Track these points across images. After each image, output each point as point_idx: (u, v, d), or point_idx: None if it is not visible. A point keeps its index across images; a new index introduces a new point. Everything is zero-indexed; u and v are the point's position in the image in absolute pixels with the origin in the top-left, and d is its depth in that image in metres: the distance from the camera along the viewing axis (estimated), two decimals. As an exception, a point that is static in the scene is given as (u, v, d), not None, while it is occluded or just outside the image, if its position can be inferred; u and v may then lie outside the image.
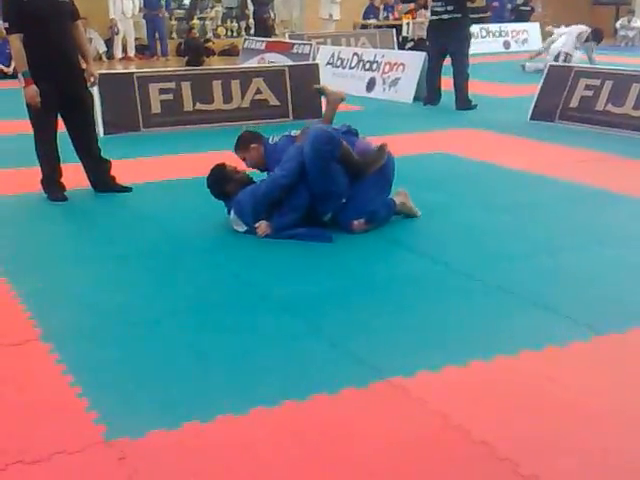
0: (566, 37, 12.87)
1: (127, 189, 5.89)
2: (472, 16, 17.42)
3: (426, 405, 2.89)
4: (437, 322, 3.61)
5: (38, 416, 2.82)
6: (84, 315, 3.72)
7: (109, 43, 17.10)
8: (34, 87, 5.41)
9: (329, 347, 3.34)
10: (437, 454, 2.60)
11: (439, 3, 9.92)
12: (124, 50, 17.19)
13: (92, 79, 5.72)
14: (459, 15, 9.81)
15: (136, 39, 17.40)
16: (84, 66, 5.74)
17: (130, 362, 3.23)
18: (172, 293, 3.97)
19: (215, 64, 14.86)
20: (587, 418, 2.81)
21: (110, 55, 17.02)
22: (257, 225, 4.74)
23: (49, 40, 5.44)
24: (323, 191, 4.72)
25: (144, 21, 17.35)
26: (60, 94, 5.53)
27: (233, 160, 5.20)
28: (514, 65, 14.68)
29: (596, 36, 12.97)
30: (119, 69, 14.18)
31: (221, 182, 4.93)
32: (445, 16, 9.86)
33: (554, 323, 3.58)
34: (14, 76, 11.69)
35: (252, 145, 5.04)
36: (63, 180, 5.74)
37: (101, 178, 5.85)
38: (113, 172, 5.94)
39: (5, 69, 13.72)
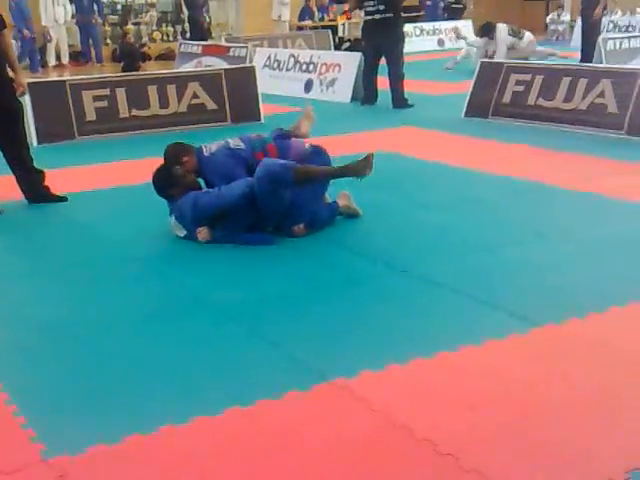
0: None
1: (62, 199, 5.79)
2: (405, 15, 17.75)
3: (369, 405, 2.90)
4: (378, 322, 3.63)
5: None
6: (20, 331, 3.64)
7: (42, 51, 16.76)
8: (-40, 98, 5.29)
9: (271, 352, 3.33)
10: (381, 453, 2.61)
11: (371, 3, 9.97)
12: (58, 58, 16.88)
13: (21, 89, 5.60)
14: (391, 15, 9.87)
15: (70, 46, 17.10)
16: (12, 75, 5.61)
17: (68, 377, 3.17)
18: (109, 304, 3.91)
19: (151, 69, 14.70)
20: (527, 410, 2.85)
21: (43, 63, 16.69)
22: (198, 230, 4.69)
23: None
24: (271, 213, 4.70)
25: (77, 28, 17.07)
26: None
27: None
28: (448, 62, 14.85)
29: (485, 31, 13.20)
30: (53, 77, 13.92)
31: (166, 184, 4.83)
32: (377, 16, 9.92)
33: (492, 317, 3.63)
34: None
35: (184, 158, 4.88)
36: (-4, 192, 5.61)
37: (34, 189, 5.73)
38: (47, 182, 5.83)
39: None
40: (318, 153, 5.09)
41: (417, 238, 4.81)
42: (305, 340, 3.43)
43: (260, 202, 4.57)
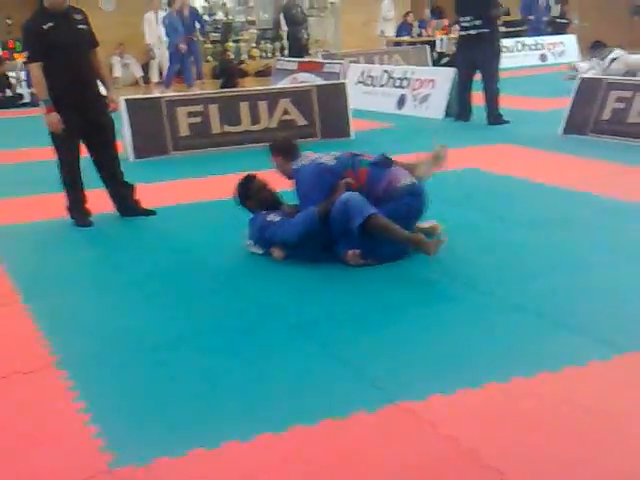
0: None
1: (151, 212, 5.93)
2: (507, 29, 17.46)
3: (436, 429, 2.82)
4: (454, 344, 3.54)
5: (46, 444, 2.83)
6: (100, 341, 3.73)
7: (145, 68, 17.32)
8: (55, 114, 5.49)
9: (341, 370, 3.30)
10: (446, 479, 2.54)
11: (467, 18, 9.86)
12: (160, 75, 17.39)
13: (112, 105, 5.78)
14: (487, 30, 9.72)
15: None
16: (104, 92, 5.80)
17: (142, 388, 3.23)
18: (186, 317, 3.97)
19: (249, 85, 14.96)
20: (605, 441, 2.71)
21: (147, 80, 17.24)
22: (272, 250, 4.71)
23: (68, 68, 5.51)
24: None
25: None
26: (81, 120, 5.59)
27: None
28: (550, 78, 14.49)
29: (596, 51, 12.74)
30: (155, 94, 14.33)
31: (243, 194, 4.92)
32: (473, 31, 9.79)
33: (574, 342, 3.49)
34: (34, 104, 11.96)
35: (276, 157, 4.95)
36: (88, 205, 5.79)
37: (125, 202, 5.90)
38: (140, 196, 5.99)
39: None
40: (413, 194, 4.67)
41: (501, 257, 4.68)
42: (376, 360, 3.38)
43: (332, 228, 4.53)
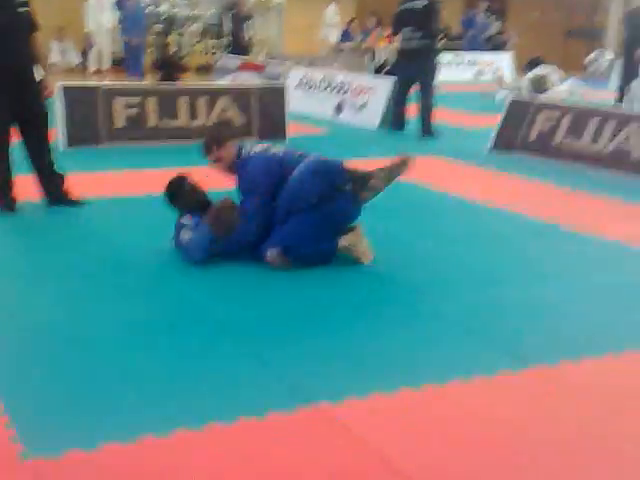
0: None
1: (79, 203, 5.87)
2: (446, 42, 17.78)
3: (349, 432, 2.90)
4: (371, 349, 3.62)
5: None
6: (19, 332, 3.70)
7: (84, 55, 17.05)
8: (-12, 98, 5.40)
9: (261, 371, 3.35)
10: (354, 481, 2.62)
11: (408, 29, 10.01)
12: (99, 63, 17.15)
13: (47, 91, 5.70)
14: (428, 42, 9.90)
15: (113, 52, 17.37)
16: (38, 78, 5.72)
17: (57, 380, 3.22)
18: (107, 312, 3.96)
19: (189, 81, 14.87)
20: (507, 452, 2.83)
21: (84, 66, 16.98)
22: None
23: (5, 50, 5.42)
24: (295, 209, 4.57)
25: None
26: (14, 106, 5.51)
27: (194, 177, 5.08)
28: (484, 95, 14.83)
29: (533, 67, 13.25)
30: (91, 82, 14.13)
31: (174, 194, 4.88)
32: (413, 43, 9.96)
33: (485, 353, 3.62)
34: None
35: (229, 143, 4.79)
36: (15, 191, 5.70)
37: (54, 191, 5.83)
38: (70, 185, 5.92)
39: None
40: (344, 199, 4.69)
41: (422, 269, 4.80)
42: (297, 361, 3.45)
43: (292, 195, 4.50)
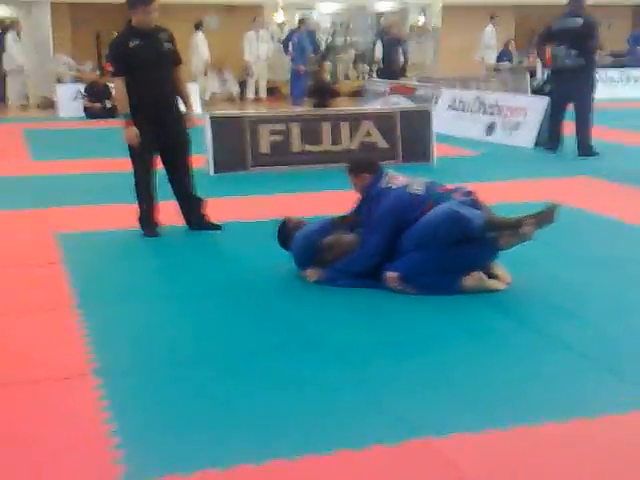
0: None
1: (217, 227, 6.02)
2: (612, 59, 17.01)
3: (455, 468, 2.73)
4: (489, 381, 3.42)
5: (64, 451, 2.87)
6: (140, 352, 3.80)
7: (242, 85, 17.68)
8: (134, 128, 5.66)
9: (367, 400, 3.24)
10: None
11: (562, 47, 9.65)
12: (257, 92, 17.72)
13: (189, 122, 5.91)
14: (583, 61, 9.48)
15: (268, 81, 17.91)
16: (183, 109, 5.94)
17: (170, 403, 3.25)
18: (228, 336, 3.99)
19: (341, 106, 15.03)
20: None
21: (242, 97, 17.60)
22: (307, 272, 4.73)
23: (150, 84, 5.68)
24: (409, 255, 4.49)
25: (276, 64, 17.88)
26: (158, 136, 5.75)
27: (336, 201, 5.05)
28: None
29: None
30: (250, 110, 14.59)
31: (282, 238, 4.95)
32: (568, 61, 9.56)
33: (616, 389, 3.32)
34: (112, 115, 12.32)
35: (363, 174, 4.78)
36: (159, 217, 5.93)
37: (194, 216, 6.00)
38: (214, 209, 6.10)
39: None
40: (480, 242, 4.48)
41: (559, 295, 4.51)
42: (407, 392, 3.31)
43: (422, 236, 4.43)
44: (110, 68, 5.86)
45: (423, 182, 4.72)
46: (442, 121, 11.11)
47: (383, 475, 2.71)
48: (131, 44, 5.67)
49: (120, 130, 5.91)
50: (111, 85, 14.77)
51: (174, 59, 5.89)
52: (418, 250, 4.44)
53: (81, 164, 9.29)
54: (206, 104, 15.19)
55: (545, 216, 4.42)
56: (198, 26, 16.79)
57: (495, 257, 4.61)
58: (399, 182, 4.70)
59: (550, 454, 2.84)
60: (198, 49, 16.65)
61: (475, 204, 4.57)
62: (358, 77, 18.98)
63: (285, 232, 4.95)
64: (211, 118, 8.36)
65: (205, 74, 17.02)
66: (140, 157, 5.80)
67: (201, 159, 8.11)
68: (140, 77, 5.68)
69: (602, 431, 2.99)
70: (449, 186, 4.79)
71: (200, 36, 16.70)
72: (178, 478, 2.68)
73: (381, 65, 16.80)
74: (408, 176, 4.84)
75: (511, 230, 4.44)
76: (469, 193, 4.66)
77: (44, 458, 2.83)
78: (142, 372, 3.57)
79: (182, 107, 5.96)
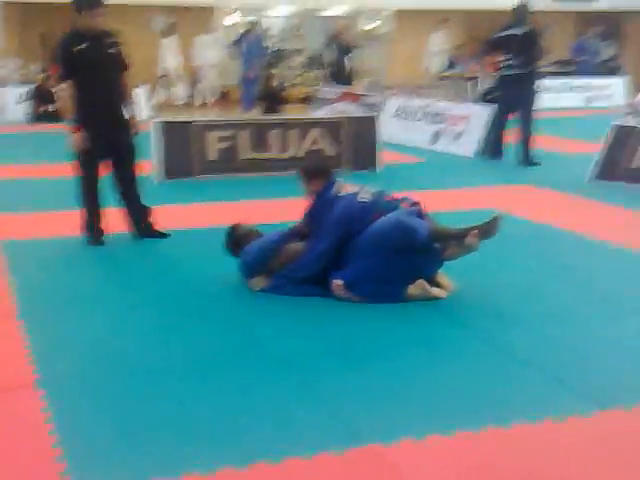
0: None
1: (164, 235, 5.99)
2: (556, 70, 17.34)
3: (399, 474, 2.78)
4: (433, 387, 3.49)
5: (6, 464, 2.84)
6: (85, 362, 3.77)
7: (191, 90, 17.61)
8: (80, 134, 5.61)
9: (314, 407, 3.27)
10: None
11: (508, 57, 9.83)
12: (204, 97, 17.66)
13: (134, 128, 5.87)
14: (526, 70, 9.69)
15: (218, 86, 17.86)
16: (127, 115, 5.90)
17: (114, 413, 3.23)
18: (174, 343, 3.99)
19: (290, 112, 15.06)
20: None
21: (190, 102, 17.52)
22: (252, 281, 4.75)
23: (97, 89, 5.64)
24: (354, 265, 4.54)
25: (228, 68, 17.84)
26: (104, 141, 5.70)
27: (284, 209, 5.08)
28: (595, 121, 14.31)
29: None
30: (199, 116, 14.53)
31: (230, 244, 4.96)
32: (511, 71, 9.76)
33: (558, 395, 3.41)
34: (58, 119, 12.13)
35: (317, 180, 4.83)
36: (103, 225, 5.87)
37: (140, 224, 5.97)
38: (160, 217, 6.08)
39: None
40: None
41: (504, 303, 4.61)
42: (354, 399, 3.35)
43: (370, 244, 4.47)
44: (55, 72, 5.77)
45: (370, 191, 4.79)
46: (389, 129, 11.23)
47: (329, 481, 2.75)
48: (77, 47, 5.60)
49: (66, 135, 5.84)
50: (56, 89, 14.72)
51: (121, 64, 5.85)
52: (364, 258, 4.49)
53: (26, 169, 9.17)
54: (154, 109, 15.08)
55: (489, 227, 4.53)
56: (169, 31, 16.65)
57: (439, 267, 4.70)
58: (348, 190, 4.77)
59: (492, 457, 2.91)
60: (168, 55, 16.50)
61: (420, 215, 4.65)
62: (307, 83, 19.02)
63: (234, 238, 4.95)
64: (158, 124, 8.32)
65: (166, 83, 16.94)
66: (85, 163, 5.75)
67: (148, 166, 8.06)
68: (86, 81, 5.62)
69: (542, 435, 3.07)
70: (396, 195, 4.86)
71: (170, 41, 16.54)
72: (124, 489, 2.68)
73: (331, 71, 16.87)
74: (356, 185, 4.90)
75: (456, 240, 4.54)
76: (415, 204, 4.74)
77: (-13, 470, 2.79)
78: (86, 382, 3.55)
79: (126, 113, 5.91)
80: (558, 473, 2.81)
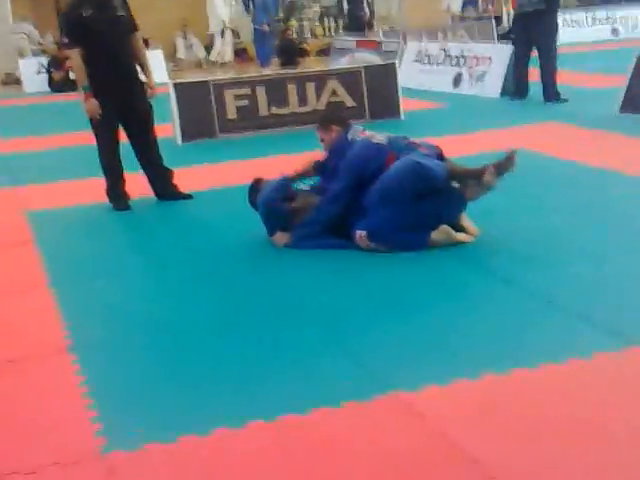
0: None
1: (188, 196, 6.02)
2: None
3: (424, 420, 2.81)
4: (457, 332, 3.50)
5: (45, 426, 2.92)
6: (116, 326, 3.85)
7: (208, 49, 17.50)
8: (94, 100, 5.61)
9: (340, 359, 3.31)
10: (425, 470, 2.52)
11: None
12: (223, 55, 17.53)
13: (150, 91, 5.86)
14: (543, 6, 9.47)
15: (235, 43, 17.72)
16: (144, 78, 5.89)
17: (147, 373, 3.31)
18: (203, 302, 4.04)
19: (310, 65, 14.94)
20: (600, 437, 2.64)
21: (209, 60, 17.42)
22: (275, 236, 4.76)
23: (107, 54, 5.62)
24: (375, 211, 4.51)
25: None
26: (119, 106, 5.70)
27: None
28: (621, 53, 13.97)
29: None
30: (217, 75, 14.46)
31: (253, 198, 4.94)
32: (529, 8, 9.55)
33: (582, 333, 3.40)
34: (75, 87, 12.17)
35: (334, 126, 4.83)
36: (127, 189, 5.92)
37: (163, 186, 6.00)
38: (184, 178, 6.11)
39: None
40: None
41: (528, 244, 4.58)
42: (378, 349, 3.38)
43: (386, 189, 4.45)
44: (65, 40, 5.75)
45: (387, 135, 4.79)
46: (409, 75, 11.10)
47: (355, 432, 2.78)
48: (84, 13, 5.58)
49: (74, 104, 5.85)
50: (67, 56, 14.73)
51: (130, 26, 5.81)
52: (385, 206, 4.47)
53: (48, 140, 9.22)
54: (175, 69, 15.03)
55: (506, 163, 4.49)
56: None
57: (462, 209, 4.67)
58: (364, 135, 4.77)
59: (519, 400, 2.92)
60: (215, 9, 16.33)
61: (439, 158, 4.61)
62: (325, 34, 18.81)
63: (255, 193, 4.96)
64: (175, 85, 8.31)
65: (222, 35, 16.77)
66: (102, 129, 5.77)
67: (168, 128, 8.08)
68: (96, 47, 5.60)
69: (570, 375, 3.07)
70: (413, 140, 4.82)
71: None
72: (159, 446, 2.74)
73: (348, 19, 16.66)
74: (374, 131, 4.88)
75: (474, 179, 4.50)
76: (434, 147, 4.71)
77: (26, 435, 2.87)
78: (117, 345, 3.61)
79: (142, 76, 5.90)
80: (584, 412, 2.81)
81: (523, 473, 2.49)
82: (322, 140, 4.92)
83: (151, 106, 5.91)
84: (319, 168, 4.89)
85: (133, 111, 5.79)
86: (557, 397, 2.92)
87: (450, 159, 4.70)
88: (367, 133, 4.82)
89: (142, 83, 5.86)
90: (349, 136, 4.78)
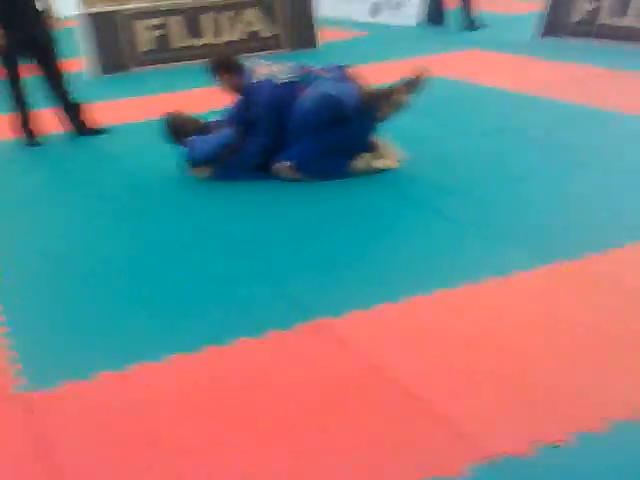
0: None
1: (101, 131, 5.82)
2: None
3: (347, 345, 2.80)
4: (378, 257, 3.50)
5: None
6: (34, 264, 3.71)
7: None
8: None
9: (262, 287, 3.27)
10: (349, 394, 2.52)
11: None
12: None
13: (51, 22, 5.58)
14: None
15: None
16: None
17: (66, 311, 3.21)
18: (124, 235, 3.96)
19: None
20: (515, 355, 2.69)
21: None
22: (196, 169, 4.70)
23: None
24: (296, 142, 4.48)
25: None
26: (19, 39, 5.43)
27: (221, 96, 4.92)
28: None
29: None
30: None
31: (170, 133, 4.82)
32: None
33: (501, 252, 3.44)
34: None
35: (222, 75, 4.67)
36: (34, 125, 5.68)
37: (72, 122, 5.79)
38: (95, 114, 5.90)
39: None
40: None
41: (445, 168, 4.60)
42: (300, 278, 3.35)
43: (299, 124, 4.41)
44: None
45: (288, 67, 4.66)
46: (327, 4, 10.91)
47: (281, 360, 2.75)
48: None
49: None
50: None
51: None
52: (304, 137, 4.41)
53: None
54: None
55: (414, 81, 4.48)
56: None
57: (374, 132, 4.62)
58: (264, 72, 4.60)
59: (440, 320, 2.94)
60: None
61: (345, 77, 4.57)
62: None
63: (173, 127, 4.81)
64: (83, 17, 7.94)
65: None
66: (6, 62, 5.49)
67: (79, 62, 7.76)
68: None
69: (487, 295, 3.10)
70: (312, 68, 4.73)
71: None
72: (77, 383, 2.66)
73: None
74: (269, 63, 4.74)
75: (385, 100, 4.47)
76: (338, 68, 4.64)
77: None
78: (38, 284, 3.50)
79: (39, 7, 5.58)
80: (505, 329, 2.85)
81: (443, 390, 2.51)
82: (221, 85, 4.72)
83: (53, 37, 5.62)
84: (235, 120, 4.73)
85: (34, 44, 5.53)
86: (477, 316, 2.95)
87: (357, 78, 4.64)
88: (266, 69, 4.63)
89: (41, 13, 5.54)
90: (253, 79, 4.59)
